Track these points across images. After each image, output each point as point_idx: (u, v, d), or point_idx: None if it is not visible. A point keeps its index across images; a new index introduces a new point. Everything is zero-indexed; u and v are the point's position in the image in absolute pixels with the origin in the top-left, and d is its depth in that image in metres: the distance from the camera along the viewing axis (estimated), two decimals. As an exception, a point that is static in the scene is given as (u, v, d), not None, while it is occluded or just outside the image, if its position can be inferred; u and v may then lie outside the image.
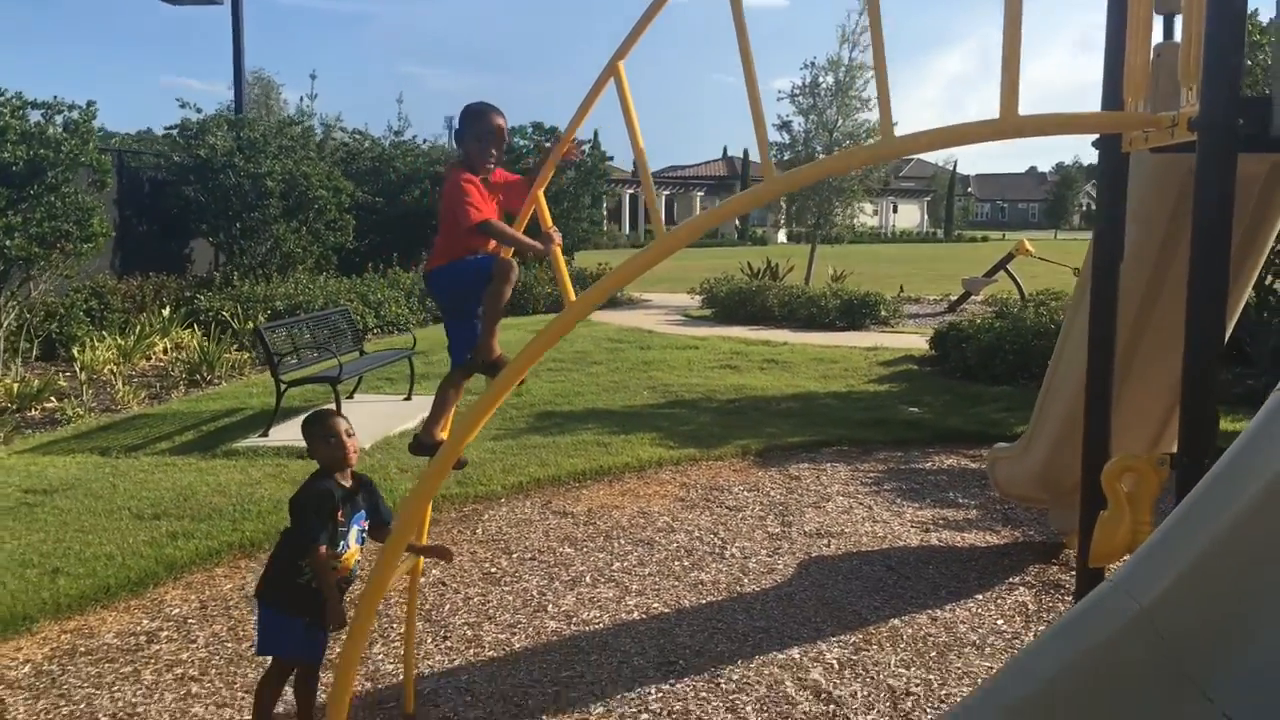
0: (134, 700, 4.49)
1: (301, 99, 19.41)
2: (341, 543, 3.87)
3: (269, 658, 4.09)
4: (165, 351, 13.91)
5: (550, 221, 4.06)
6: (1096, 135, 4.11)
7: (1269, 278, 10.48)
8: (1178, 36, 3.83)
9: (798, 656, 4.95)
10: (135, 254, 16.87)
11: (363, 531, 4.01)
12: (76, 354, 12.50)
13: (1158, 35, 4.04)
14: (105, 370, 12.39)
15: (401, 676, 4.62)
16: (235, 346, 13.89)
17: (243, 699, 4.48)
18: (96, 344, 13.01)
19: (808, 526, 6.94)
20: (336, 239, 19.48)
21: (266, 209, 17.66)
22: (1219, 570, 2.08)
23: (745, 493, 7.71)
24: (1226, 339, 4.78)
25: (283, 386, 9.45)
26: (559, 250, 3.88)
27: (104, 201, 13.83)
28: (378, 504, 4.10)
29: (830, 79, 23.26)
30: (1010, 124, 3.36)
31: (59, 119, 12.25)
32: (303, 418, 4.24)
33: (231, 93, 20.39)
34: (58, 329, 13.22)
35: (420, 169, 23.71)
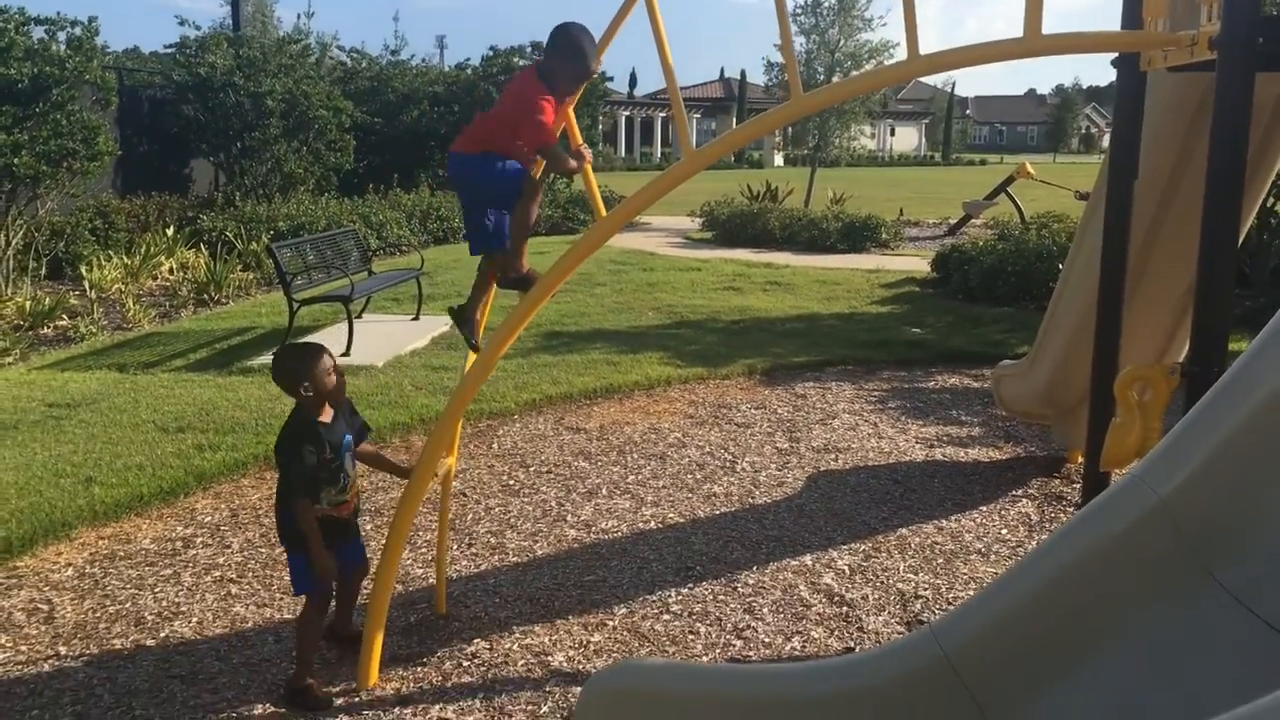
0: (177, 600, 4.69)
1: (298, 16, 19.38)
2: (342, 475, 3.87)
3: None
4: (171, 271, 13.97)
5: (580, 139, 4.14)
6: (1113, 55, 4.19)
7: (1271, 200, 10.56)
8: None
9: (810, 563, 5.15)
10: (137, 174, 16.83)
11: (353, 455, 3.99)
12: (85, 273, 12.57)
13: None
14: (114, 289, 12.47)
15: (431, 580, 4.82)
16: (240, 266, 13.96)
17: (281, 599, 4.67)
18: (104, 263, 13.07)
19: (815, 442, 7.11)
20: (337, 159, 19.42)
21: (267, 128, 17.59)
22: (1229, 466, 2.24)
23: (753, 410, 7.88)
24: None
25: (295, 305, 9.56)
26: (589, 167, 3.98)
27: (107, 120, 13.78)
28: (357, 422, 4.08)
29: (833, -1, 23.01)
30: (1035, 42, 3.46)
31: (62, 35, 12.16)
32: (277, 351, 4.15)
33: (222, 9, 20.16)
34: (64, 248, 13.26)
35: (418, 89, 23.51)
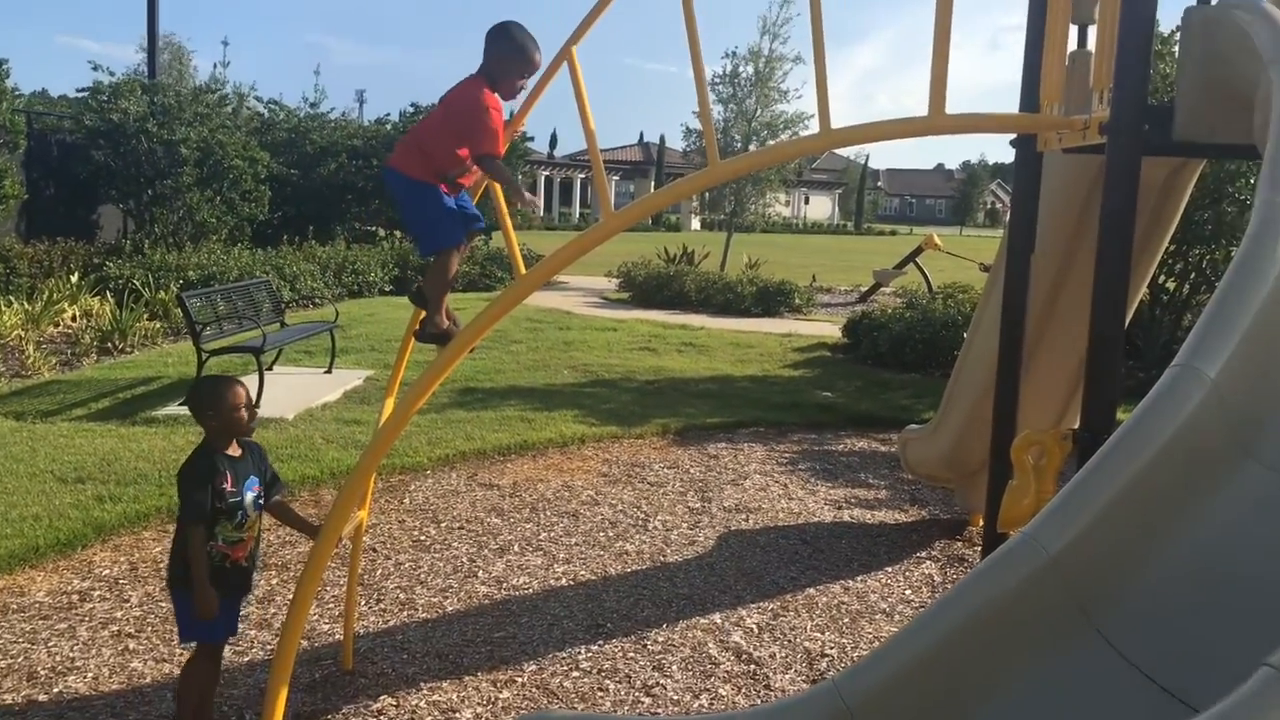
0: (71, 655, 4.55)
1: (215, 66, 19.23)
2: (240, 512, 3.76)
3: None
4: (74, 318, 13.62)
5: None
6: (1013, 135, 4.41)
7: (1161, 277, 11.06)
8: (1090, 46, 4.14)
9: (719, 621, 5.21)
10: (43, 218, 16.45)
11: (257, 498, 3.87)
12: (-17, 318, 12.19)
13: (1072, 44, 4.34)
14: (13, 335, 12.12)
15: (338, 636, 4.75)
16: (147, 315, 13.68)
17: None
18: (4, 309, 12.70)
19: (726, 502, 7.20)
20: (251, 210, 19.21)
21: (180, 177, 17.35)
22: (1115, 521, 2.36)
23: (665, 470, 7.95)
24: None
25: (204, 355, 9.40)
26: (510, 224, 4.01)
27: (13, 163, 13.47)
28: (268, 470, 3.99)
29: (750, 69, 23.64)
30: (939, 121, 3.64)
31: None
32: (196, 382, 4.10)
33: (137, 56, 20.05)
34: (-39, 293, 12.87)
35: (337, 142, 23.44)
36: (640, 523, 6.69)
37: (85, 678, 4.36)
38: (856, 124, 3.80)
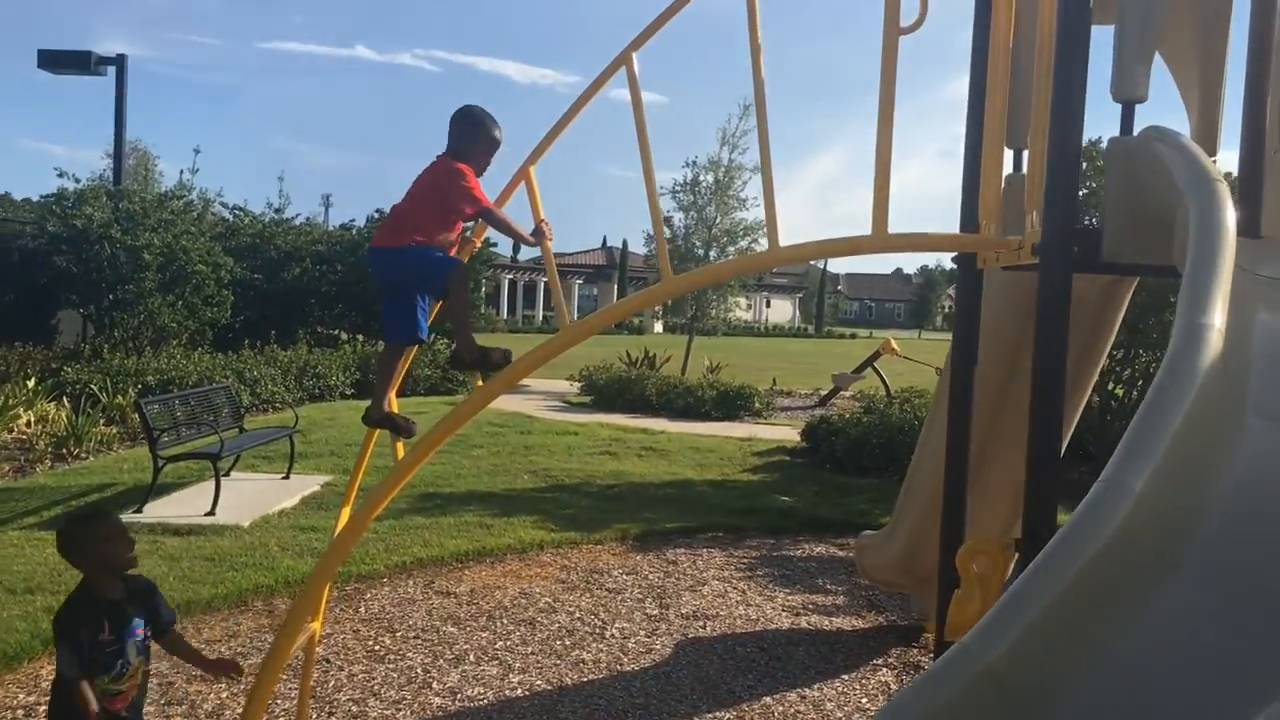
0: (12, 775, 4.45)
1: (181, 173, 19.44)
2: (120, 662, 3.50)
3: None
4: (29, 424, 13.48)
5: (542, 213, 4.23)
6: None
7: (1110, 384, 11.32)
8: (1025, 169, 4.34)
9: (676, 731, 5.18)
10: (3, 323, 16.37)
11: (144, 641, 3.61)
12: (-65, 424, 12.06)
13: (1009, 167, 4.55)
14: (-35, 441, 11.97)
15: (288, 751, 4.68)
16: (104, 421, 13.57)
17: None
18: (-44, 414, 12.57)
19: (685, 609, 7.19)
20: (213, 314, 19.24)
21: (142, 282, 17.39)
22: (1049, 632, 2.43)
23: (624, 575, 7.94)
24: (1069, 439, 5.29)
25: (160, 462, 9.33)
26: (549, 245, 4.10)
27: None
28: (157, 606, 3.69)
29: (710, 178, 24.15)
30: (880, 240, 3.80)
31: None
32: (63, 522, 3.80)
33: (103, 161, 20.17)
34: (-85, 397, 12.73)
35: (301, 246, 23.62)
36: (597, 631, 6.66)
37: (26, 797, 4.26)
38: (803, 242, 3.96)
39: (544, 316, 64.35)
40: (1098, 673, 2.44)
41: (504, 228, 4.04)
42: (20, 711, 5.07)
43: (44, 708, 5.09)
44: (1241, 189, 4.40)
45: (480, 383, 3.95)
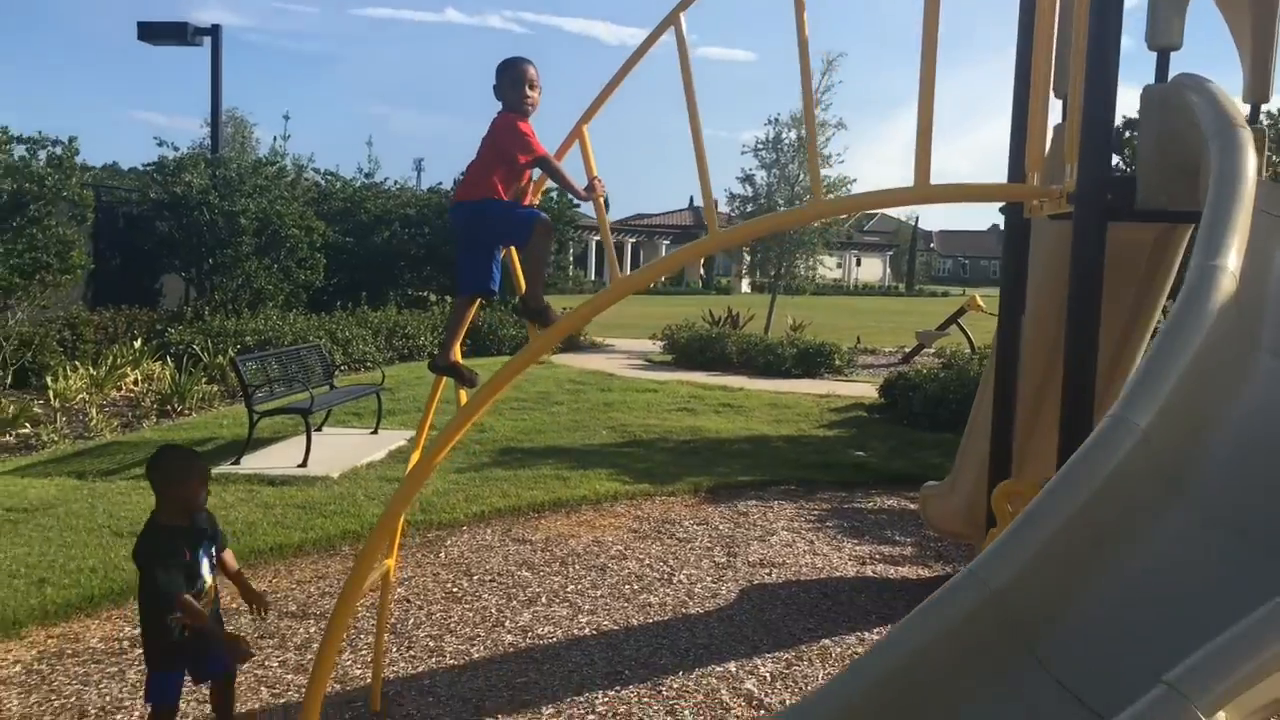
0: (120, 696, 4.86)
1: (275, 139, 20.16)
2: (199, 580, 3.98)
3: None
4: (136, 382, 14.18)
5: (595, 169, 4.42)
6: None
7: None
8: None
9: (734, 669, 5.39)
10: (108, 287, 17.18)
11: (214, 561, 4.10)
12: (50, 382, 12.78)
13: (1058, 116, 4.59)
14: (78, 399, 12.67)
15: (367, 680, 5.01)
16: (205, 379, 14.21)
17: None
18: (69, 373, 13.29)
19: (752, 557, 7.38)
20: (307, 277, 19.88)
21: (239, 246, 18.06)
22: (1053, 558, 2.58)
23: (695, 526, 8.15)
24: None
25: (255, 417, 9.81)
26: (601, 200, 4.30)
27: (82, 235, 14.18)
28: (217, 534, 4.20)
29: (793, 134, 24.04)
30: (922, 192, 3.91)
31: (42, 154, 12.64)
32: (160, 450, 4.25)
33: (201, 129, 20.88)
34: (31, 358, 13.49)
35: (391, 210, 24.17)
36: (665, 576, 6.90)
37: (131, 716, 4.66)
38: (846, 195, 4.07)
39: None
40: (1097, 598, 2.57)
41: (558, 177, 4.22)
42: (126, 642, 5.50)
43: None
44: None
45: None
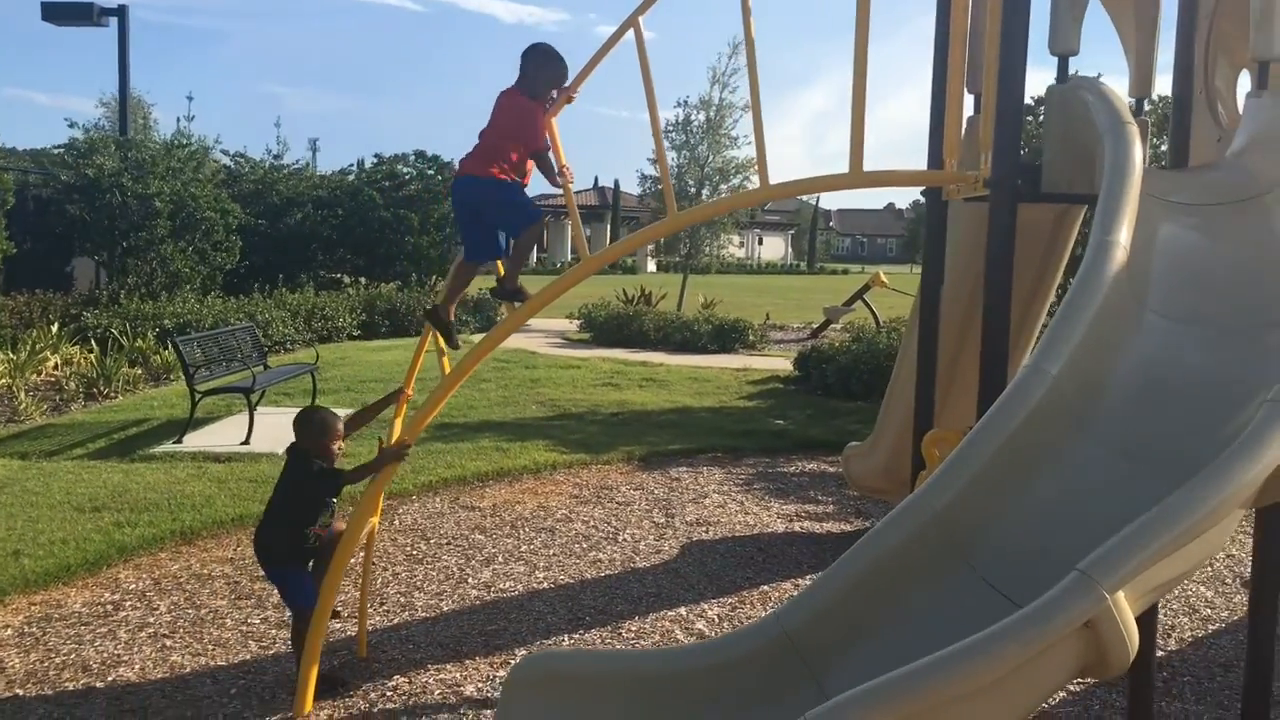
0: (117, 652, 5.17)
1: (179, 120, 19.92)
2: (328, 508, 4.79)
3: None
4: (56, 366, 14.13)
5: (564, 159, 4.82)
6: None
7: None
8: (983, 112, 4.94)
9: (684, 613, 5.91)
10: (20, 271, 16.95)
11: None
12: (-30, 368, 12.69)
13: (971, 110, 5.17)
14: (1, 384, 12.61)
15: (349, 632, 5.41)
16: (127, 363, 14.20)
17: (214, 650, 5.20)
18: (-12, 358, 13.20)
19: (688, 517, 7.92)
20: (223, 259, 19.81)
21: (154, 229, 17.94)
22: (982, 484, 3.13)
23: (632, 491, 8.66)
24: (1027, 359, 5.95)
25: (197, 396, 10.01)
26: (570, 186, 4.71)
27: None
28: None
29: (702, 117, 24.62)
30: (857, 177, 4.44)
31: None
32: (312, 410, 4.97)
33: (98, 111, 20.48)
34: (-52, 343, 13.36)
35: (303, 192, 24.10)
36: (611, 536, 7.39)
37: (133, 669, 4.99)
38: (791, 180, 4.59)
39: (538, 257, 64.69)
40: (1019, 515, 3.14)
41: (545, 167, 4.63)
42: (109, 606, 5.78)
43: (129, 603, 5.83)
44: (1173, 126, 5.05)
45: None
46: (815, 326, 22.92)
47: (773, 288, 46.80)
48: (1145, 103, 5.12)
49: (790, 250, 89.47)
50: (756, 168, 4.64)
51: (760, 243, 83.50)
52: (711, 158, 24.50)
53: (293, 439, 4.85)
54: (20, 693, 4.71)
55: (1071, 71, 4.55)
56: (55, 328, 15.32)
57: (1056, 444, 3.19)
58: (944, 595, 3.05)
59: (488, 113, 4.71)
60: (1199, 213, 3.72)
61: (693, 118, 24.57)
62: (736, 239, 42.58)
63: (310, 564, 4.78)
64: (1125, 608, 2.56)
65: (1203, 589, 6.46)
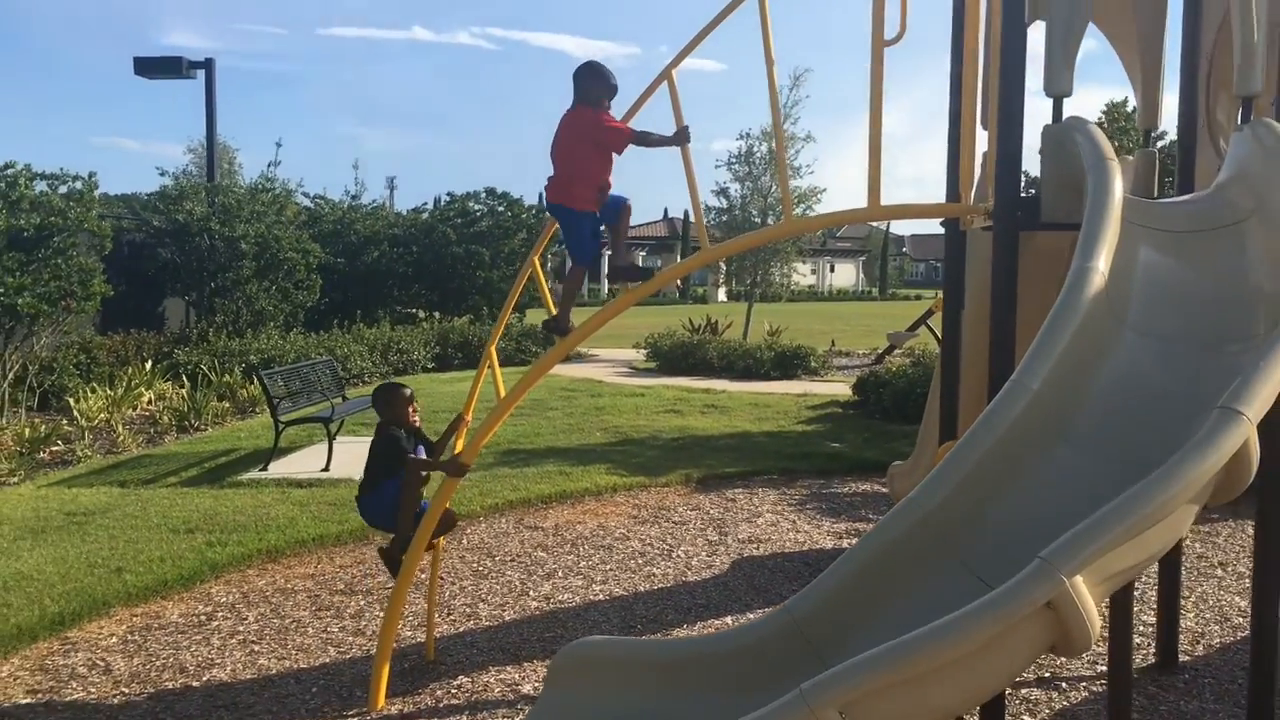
0: (210, 656, 5.71)
1: (269, 164, 21.13)
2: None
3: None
4: (150, 401, 14.97)
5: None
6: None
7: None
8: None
9: (730, 621, 6.29)
10: (115, 312, 17.94)
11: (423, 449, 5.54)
12: (73, 403, 13.55)
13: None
14: (99, 418, 13.44)
15: (418, 638, 5.88)
16: (216, 397, 15.00)
17: (297, 655, 5.71)
18: (89, 394, 14.07)
19: (741, 535, 8.29)
20: (304, 297, 20.68)
21: (240, 269, 18.86)
22: (970, 487, 3.49)
23: (688, 511, 9.05)
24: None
25: (280, 426, 10.65)
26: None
27: (99, 264, 14.98)
28: (425, 443, 5.63)
29: (764, 148, 25.08)
30: (875, 211, 4.83)
31: (63, 189, 13.44)
32: (384, 385, 5.67)
33: (185, 157, 21.50)
34: (52, 381, 14.26)
35: (379, 230, 25.01)
36: (665, 553, 7.79)
37: (225, 670, 5.51)
38: (813, 215, 4.99)
39: (609, 290, 65.49)
40: (1003, 513, 3.49)
41: (654, 141, 4.97)
42: (203, 617, 6.34)
43: (221, 614, 6.38)
44: (1179, 157, 5.35)
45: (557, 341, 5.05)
46: (879, 352, 23.11)
47: (841, 314, 46.85)
48: (1152, 134, 5.43)
49: (862, 276, 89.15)
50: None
51: (832, 269, 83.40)
52: (774, 187, 24.92)
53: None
54: (125, 691, 5.25)
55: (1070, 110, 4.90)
56: (149, 365, 16.20)
57: (1038, 450, 3.53)
58: (936, 586, 3.40)
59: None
60: (1179, 239, 4.04)
61: (755, 148, 25.05)
62: (805, 266, 42.97)
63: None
64: (1084, 592, 2.89)
65: (1236, 599, 6.66)
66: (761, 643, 3.52)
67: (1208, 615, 6.38)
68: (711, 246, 4.94)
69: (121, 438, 12.07)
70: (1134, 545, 2.98)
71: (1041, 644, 2.97)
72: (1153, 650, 5.74)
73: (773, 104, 5.03)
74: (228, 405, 14.80)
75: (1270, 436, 4.38)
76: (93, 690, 5.27)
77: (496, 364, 5.88)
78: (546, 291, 5.53)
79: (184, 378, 15.66)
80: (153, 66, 19.93)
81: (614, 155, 5.01)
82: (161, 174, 18.82)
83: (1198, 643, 5.95)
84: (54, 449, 11.68)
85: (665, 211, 79.24)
